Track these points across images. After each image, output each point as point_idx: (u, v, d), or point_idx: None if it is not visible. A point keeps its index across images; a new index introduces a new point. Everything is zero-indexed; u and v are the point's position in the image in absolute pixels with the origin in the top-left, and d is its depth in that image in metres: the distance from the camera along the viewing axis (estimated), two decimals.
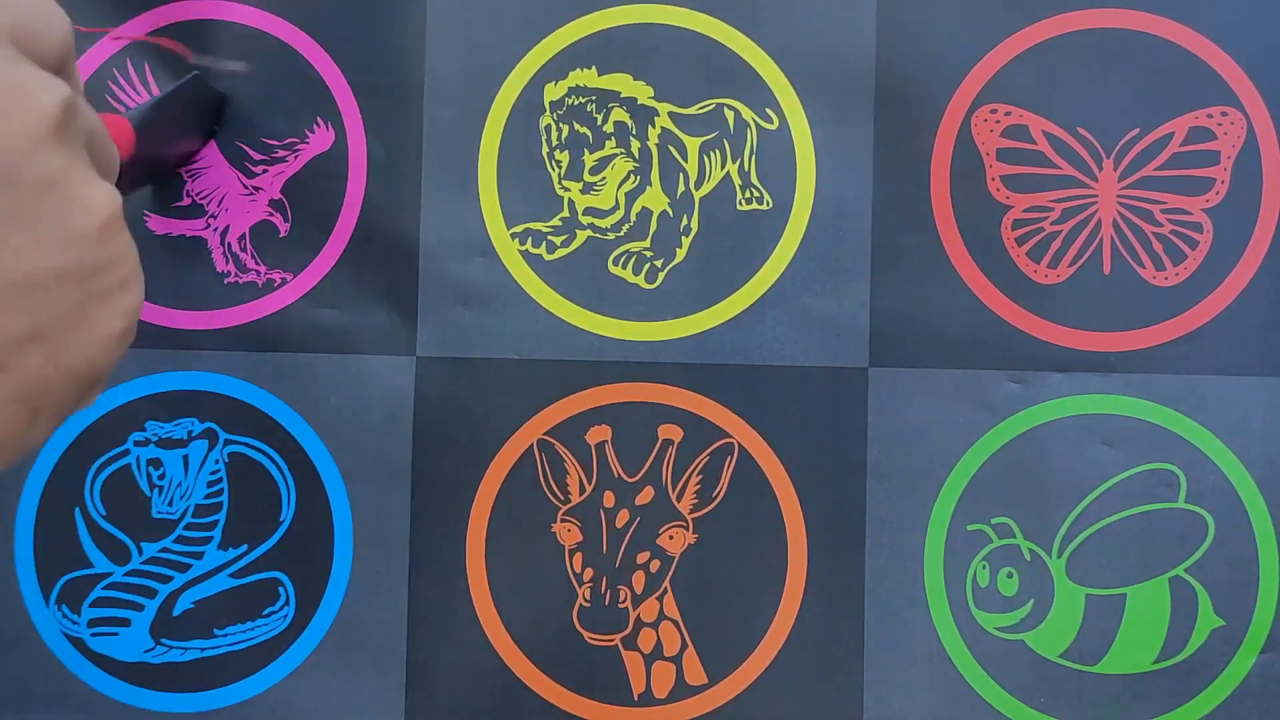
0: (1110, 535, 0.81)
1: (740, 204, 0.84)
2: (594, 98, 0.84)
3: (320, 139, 0.86)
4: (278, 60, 0.85)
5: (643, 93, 0.84)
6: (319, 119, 0.86)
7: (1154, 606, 0.81)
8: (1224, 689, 0.81)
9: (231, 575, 0.85)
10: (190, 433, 0.85)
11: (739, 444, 0.83)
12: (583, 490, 0.84)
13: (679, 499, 0.83)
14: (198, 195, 0.86)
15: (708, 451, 0.84)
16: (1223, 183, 0.82)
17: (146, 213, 0.86)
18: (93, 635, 0.85)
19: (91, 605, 0.85)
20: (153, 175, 0.86)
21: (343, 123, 0.85)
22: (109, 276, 0.42)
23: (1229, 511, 0.81)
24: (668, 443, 0.84)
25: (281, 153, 0.86)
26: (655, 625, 0.83)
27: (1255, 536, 0.81)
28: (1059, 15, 0.83)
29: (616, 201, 0.84)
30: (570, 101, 0.84)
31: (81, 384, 0.43)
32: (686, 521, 0.83)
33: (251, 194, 0.86)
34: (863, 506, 0.83)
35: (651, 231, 0.84)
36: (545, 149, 0.85)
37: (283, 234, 0.86)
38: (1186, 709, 0.81)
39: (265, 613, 0.85)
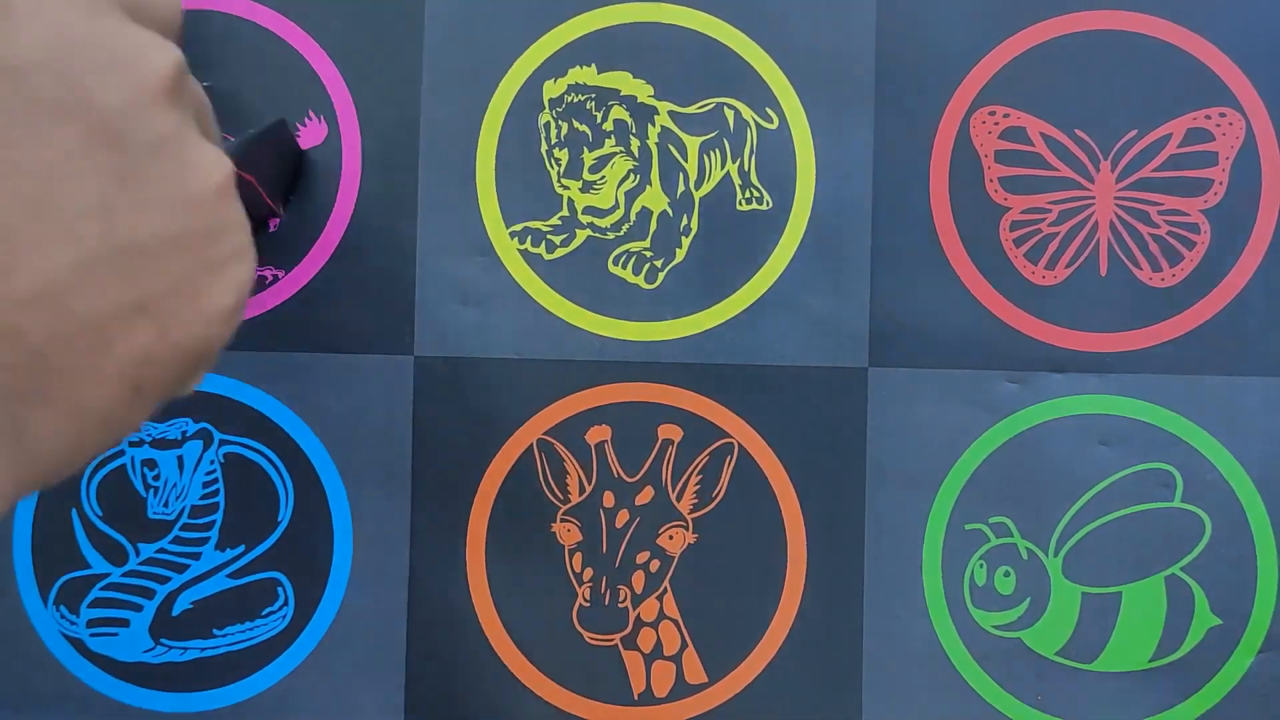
0: (1106, 534, 0.82)
1: (740, 204, 0.84)
2: (593, 95, 0.84)
3: (312, 132, 0.85)
4: (265, 50, 0.84)
5: (642, 91, 0.84)
6: (310, 112, 0.85)
7: (1149, 605, 0.82)
8: (1222, 688, 0.82)
9: (230, 575, 0.84)
10: (184, 433, 0.84)
11: (739, 444, 0.83)
12: (582, 490, 0.84)
13: (679, 499, 0.83)
14: None
15: (708, 451, 0.84)
16: (1221, 184, 0.82)
17: None
18: (92, 636, 0.84)
19: (90, 606, 0.84)
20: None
21: (336, 117, 0.85)
22: (221, 245, 0.41)
23: (1226, 511, 0.82)
24: (668, 443, 0.84)
25: None
26: (655, 625, 0.84)
27: (1253, 536, 0.82)
28: (1058, 17, 0.83)
29: (616, 201, 0.84)
30: (570, 99, 0.84)
31: (187, 362, 0.40)
32: (686, 521, 0.83)
33: None
34: (862, 506, 0.83)
35: (651, 231, 0.84)
36: (544, 147, 0.84)
37: (273, 229, 0.85)
38: (1184, 707, 0.82)
39: (264, 613, 0.84)
